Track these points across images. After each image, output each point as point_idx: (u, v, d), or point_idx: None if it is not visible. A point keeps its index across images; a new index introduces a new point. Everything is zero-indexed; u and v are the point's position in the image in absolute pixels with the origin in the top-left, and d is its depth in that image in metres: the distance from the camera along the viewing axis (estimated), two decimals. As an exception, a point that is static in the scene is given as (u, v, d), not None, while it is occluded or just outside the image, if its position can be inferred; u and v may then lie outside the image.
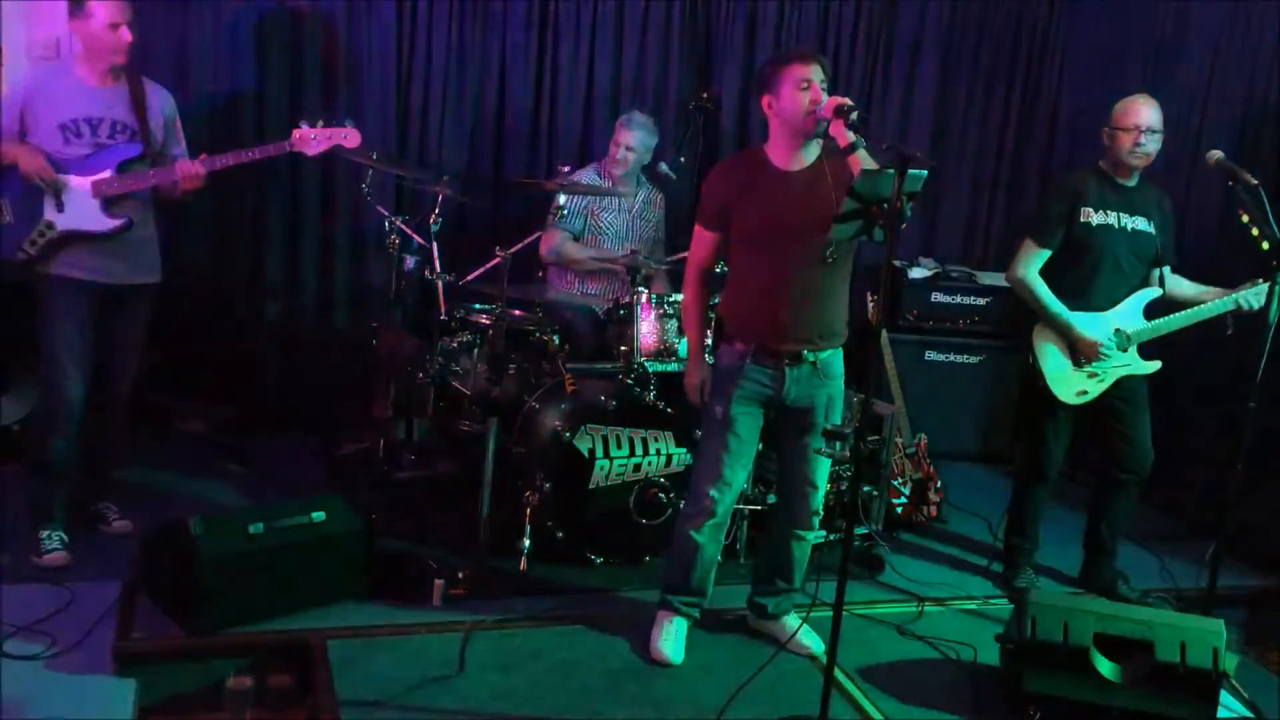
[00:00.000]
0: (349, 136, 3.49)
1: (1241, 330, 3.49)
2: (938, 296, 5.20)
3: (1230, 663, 3.15)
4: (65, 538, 3.39)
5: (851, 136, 2.78)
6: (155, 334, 3.66)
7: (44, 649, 2.88)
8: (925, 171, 2.51)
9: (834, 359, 3.11)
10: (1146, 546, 4.25)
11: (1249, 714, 3.15)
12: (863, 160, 2.79)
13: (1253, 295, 3.52)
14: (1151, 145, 3.55)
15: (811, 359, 3.04)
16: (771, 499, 3.71)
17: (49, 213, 3.25)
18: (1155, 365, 3.67)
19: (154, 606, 3.09)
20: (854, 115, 2.75)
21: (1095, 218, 3.58)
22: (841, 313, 3.11)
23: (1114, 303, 3.63)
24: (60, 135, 3.25)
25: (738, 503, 3.70)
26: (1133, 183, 3.63)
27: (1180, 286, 3.71)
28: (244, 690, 2.81)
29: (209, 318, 4.61)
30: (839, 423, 3.13)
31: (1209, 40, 4.73)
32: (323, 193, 4.68)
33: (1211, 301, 3.60)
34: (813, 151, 3.00)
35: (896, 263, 5.17)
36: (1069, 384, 3.62)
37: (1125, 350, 3.63)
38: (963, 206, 5.65)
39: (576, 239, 4.38)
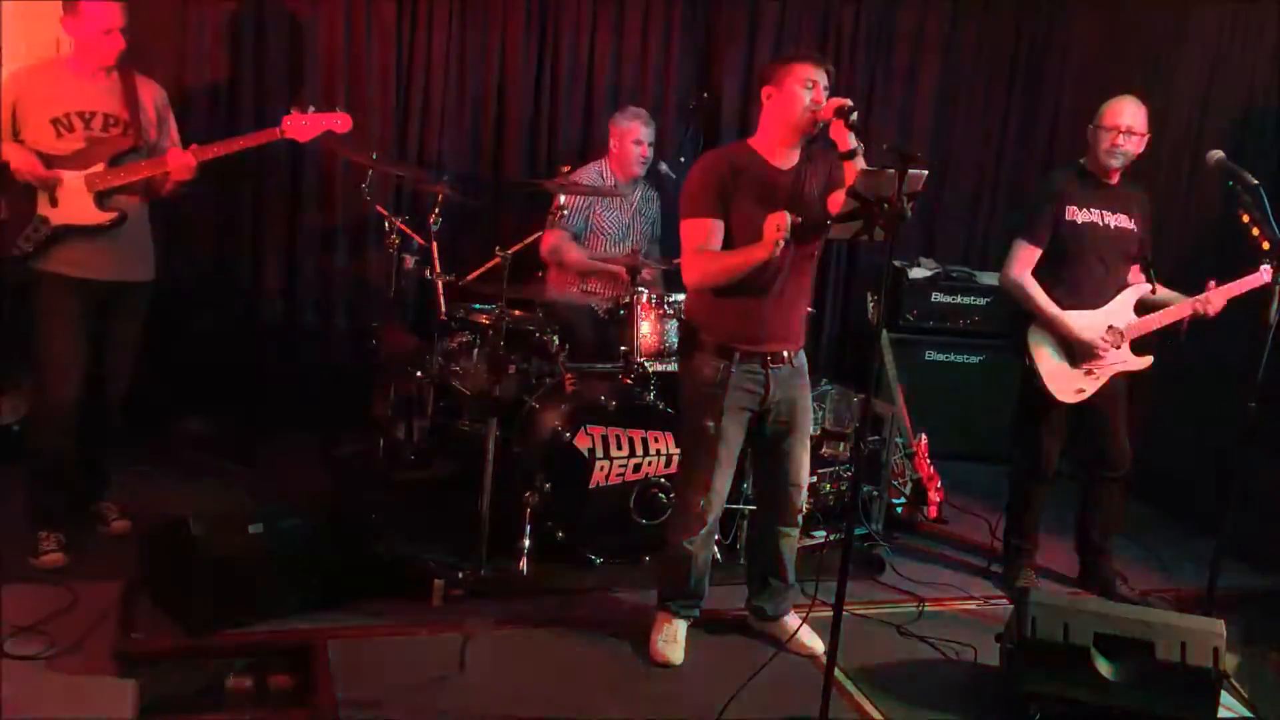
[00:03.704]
0: (340, 121, 3.48)
1: (1243, 329, 3.49)
2: (938, 296, 5.21)
3: (1230, 663, 3.15)
4: (63, 539, 3.38)
5: (853, 141, 2.79)
6: (155, 334, 3.67)
7: (44, 649, 2.88)
8: (925, 171, 2.51)
9: (803, 356, 3.16)
10: (1146, 546, 4.25)
11: (1249, 714, 3.15)
12: (857, 162, 2.80)
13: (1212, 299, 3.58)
14: (1130, 147, 3.57)
15: (790, 358, 3.07)
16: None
17: (42, 208, 3.25)
18: (1148, 360, 3.68)
19: (154, 606, 3.09)
20: (853, 116, 2.76)
21: (1080, 215, 3.60)
22: (807, 310, 3.17)
23: (1104, 300, 3.65)
24: (52, 130, 3.25)
25: (738, 503, 3.72)
26: (1114, 181, 3.65)
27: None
28: (244, 690, 2.81)
29: (209, 317, 4.60)
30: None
31: (1209, 41, 4.73)
32: (323, 193, 4.68)
33: (1177, 305, 3.64)
34: (799, 151, 3.01)
35: (896, 263, 5.17)
36: (1067, 383, 3.63)
37: (1119, 347, 3.64)
38: (963, 206, 5.65)
39: (577, 238, 4.38)
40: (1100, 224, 3.61)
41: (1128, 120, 3.55)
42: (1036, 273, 3.62)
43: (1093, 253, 3.61)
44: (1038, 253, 3.61)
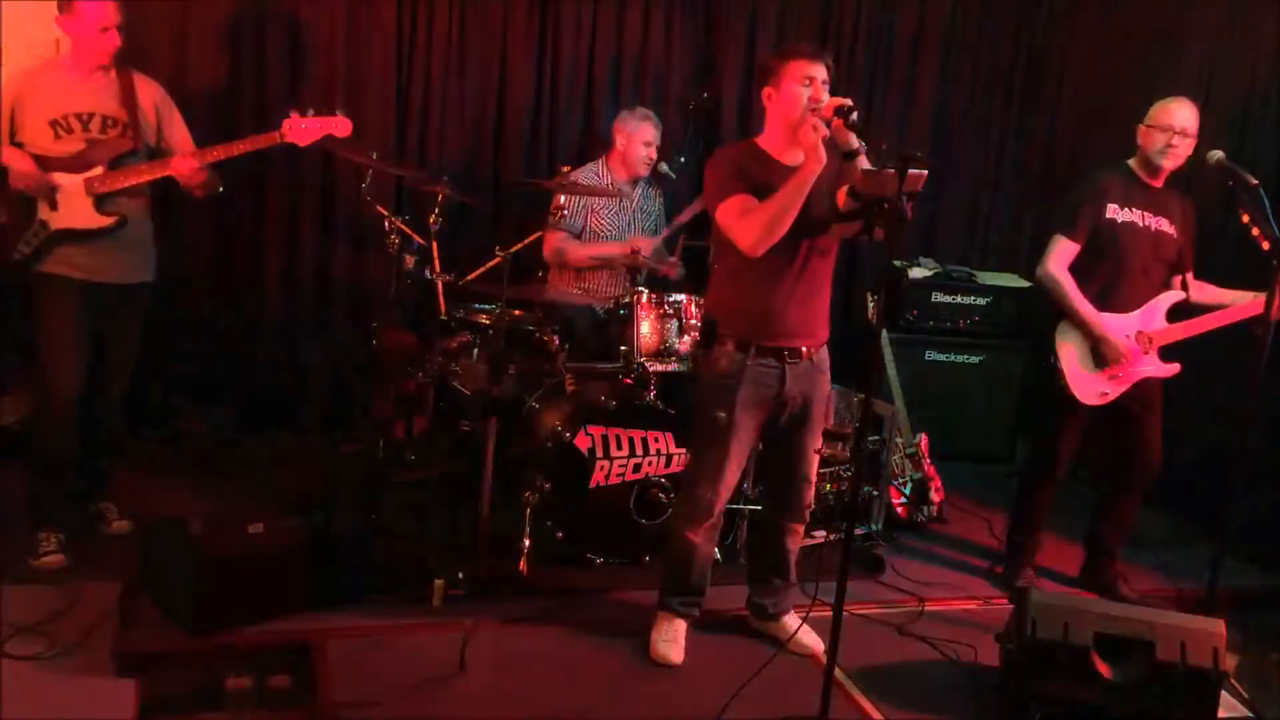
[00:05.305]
0: (340, 125, 3.46)
1: (1243, 329, 3.48)
2: (938, 296, 5.20)
3: (1230, 663, 3.15)
4: (63, 539, 3.38)
5: (854, 141, 2.78)
6: (155, 334, 3.66)
7: (44, 649, 2.88)
8: (925, 171, 2.51)
9: (825, 354, 3.14)
10: (1146, 546, 4.25)
11: (1249, 714, 3.15)
12: (858, 163, 2.80)
13: None
14: (1182, 149, 3.53)
15: (809, 355, 3.05)
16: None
17: (42, 211, 3.24)
18: (1174, 369, 3.64)
19: (154, 606, 3.09)
20: (854, 116, 2.76)
21: (1121, 214, 3.56)
22: (827, 307, 3.13)
23: (1137, 304, 3.61)
24: (51, 132, 3.24)
25: (739, 503, 3.72)
26: (1159, 184, 3.62)
27: (1202, 291, 3.68)
28: (244, 690, 2.81)
29: (209, 317, 4.61)
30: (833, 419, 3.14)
31: (1209, 40, 4.73)
32: (323, 192, 4.68)
33: (1245, 303, 3.52)
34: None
35: (896, 263, 5.18)
36: (1090, 385, 3.60)
37: (1147, 353, 3.61)
38: (963, 207, 5.65)
39: (577, 239, 4.38)
40: (1140, 225, 3.56)
41: (1182, 122, 3.51)
42: (1074, 272, 3.57)
43: (1129, 254, 3.56)
44: (1076, 249, 3.56)
